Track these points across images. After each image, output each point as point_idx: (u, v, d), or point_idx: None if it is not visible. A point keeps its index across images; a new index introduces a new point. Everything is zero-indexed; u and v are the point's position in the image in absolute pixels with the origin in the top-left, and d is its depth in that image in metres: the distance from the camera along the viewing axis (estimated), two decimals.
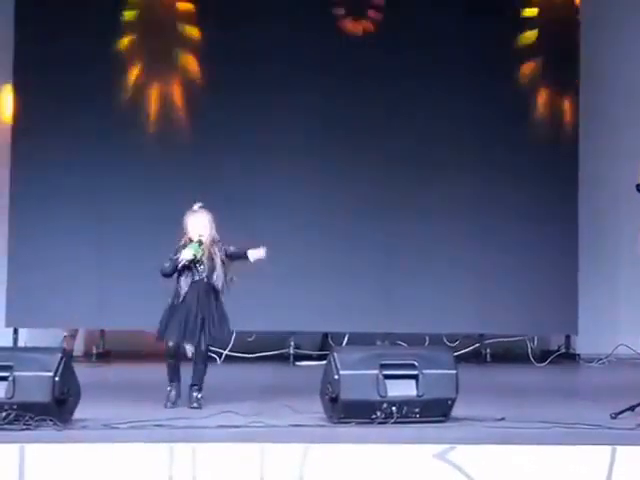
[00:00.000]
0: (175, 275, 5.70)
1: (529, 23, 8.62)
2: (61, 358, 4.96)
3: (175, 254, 5.70)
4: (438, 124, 8.40)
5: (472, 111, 8.40)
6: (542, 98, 8.64)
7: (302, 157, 8.34)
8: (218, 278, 5.71)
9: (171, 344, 5.66)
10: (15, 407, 4.77)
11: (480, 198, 8.48)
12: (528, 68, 8.63)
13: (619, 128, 9.01)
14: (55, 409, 4.83)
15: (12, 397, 4.81)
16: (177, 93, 8.43)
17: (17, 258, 8.23)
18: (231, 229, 8.20)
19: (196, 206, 5.78)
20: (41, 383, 4.84)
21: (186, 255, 5.63)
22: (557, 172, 8.52)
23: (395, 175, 8.41)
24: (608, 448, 4.53)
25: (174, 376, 5.71)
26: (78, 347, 8.56)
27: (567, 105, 8.63)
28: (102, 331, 8.57)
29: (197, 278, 5.69)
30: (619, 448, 4.52)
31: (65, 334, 8.45)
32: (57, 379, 4.86)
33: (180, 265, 5.65)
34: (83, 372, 5.34)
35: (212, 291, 5.71)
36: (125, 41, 8.40)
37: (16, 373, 4.85)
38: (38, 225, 8.24)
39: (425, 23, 8.37)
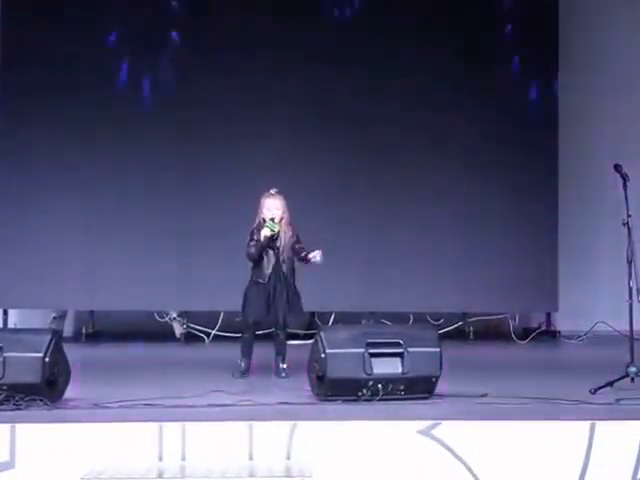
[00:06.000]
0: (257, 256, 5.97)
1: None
2: (51, 339, 4.98)
3: (251, 238, 5.99)
4: (422, 110, 8.43)
5: (454, 97, 8.43)
6: (523, 83, 8.70)
7: (286, 140, 8.37)
8: (287, 259, 6.00)
9: (251, 321, 6.03)
10: (5, 388, 4.79)
11: (462, 179, 8.55)
12: (509, 54, 8.69)
13: (601, 111, 9.07)
14: (45, 389, 4.85)
15: (2, 378, 4.82)
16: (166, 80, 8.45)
17: (5, 239, 8.24)
18: (218, 212, 8.28)
19: (272, 190, 6.08)
20: (31, 364, 4.85)
21: (265, 232, 5.94)
22: (539, 155, 8.60)
23: (379, 158, 8.46)
24: (587, 423, 4.60)
25: (246, 349, 6.06)
26: (68, 328, 8.60)
27: (548, 89, 8.68)
28: (92, 312, 8.61)
29: (275, 258, 5.98)
30: (598, 423, 4.58)
31: (54, 315, 8.50)
32: (47, 360, 4.88)
33: (264, 244, 5.93)
34: (73, 353, 5.37)
35: (288, 270, 6.01)
36: (112, 33, 8.39)
37: (6, 354, 4.86)
38: (26, 207, 8.24)
39: (410, 9, 8.41)
